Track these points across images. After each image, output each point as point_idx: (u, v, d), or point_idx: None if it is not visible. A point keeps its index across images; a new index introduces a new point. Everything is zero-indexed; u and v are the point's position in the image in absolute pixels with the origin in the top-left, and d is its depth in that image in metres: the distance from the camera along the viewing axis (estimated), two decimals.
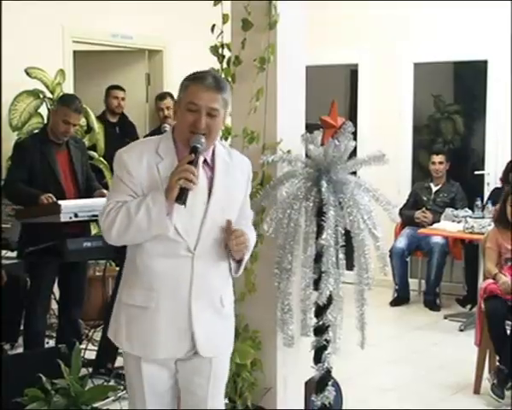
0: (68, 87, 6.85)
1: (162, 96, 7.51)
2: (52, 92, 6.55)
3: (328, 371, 4.15)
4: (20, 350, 5.53)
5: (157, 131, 7.35)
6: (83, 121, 6.27)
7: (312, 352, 4.15)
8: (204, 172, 2.88)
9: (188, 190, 2.72)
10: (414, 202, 7.94)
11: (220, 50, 4.18)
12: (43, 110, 6.58)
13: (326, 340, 4.08)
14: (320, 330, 4.08)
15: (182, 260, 2.85)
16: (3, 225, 5.89)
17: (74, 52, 7.29)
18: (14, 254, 5.70)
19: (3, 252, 5.86)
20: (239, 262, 2.99)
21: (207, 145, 2.84)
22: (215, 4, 4.09)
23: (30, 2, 6.58)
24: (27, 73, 6.42)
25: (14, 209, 5.71)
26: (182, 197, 2.72)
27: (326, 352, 4.10)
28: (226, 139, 4.22)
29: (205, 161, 2.89)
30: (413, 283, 7.94)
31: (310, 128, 4.28)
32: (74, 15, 7.00)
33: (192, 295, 2.86)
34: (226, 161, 2.95)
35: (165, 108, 7.38)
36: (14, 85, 6.35)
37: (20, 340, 5.61)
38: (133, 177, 2.81)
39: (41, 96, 6.57)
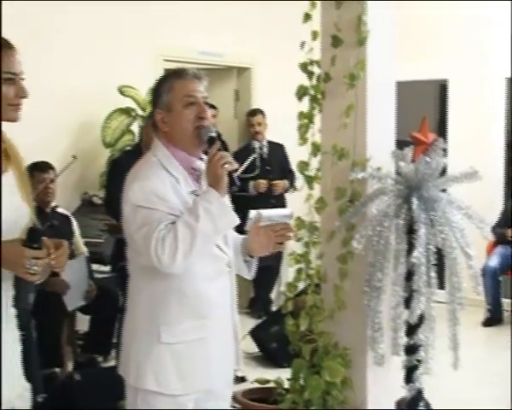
0: None
1: (253, 112, 7.58)
2: (143, 110, 6.67)
3: (420, 392, 4.08)
4: (113, 363, 5.63)
5: (246, 147, 7.42)
6: None
7: (403, 371, 4.10)
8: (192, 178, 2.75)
9: (234, 172, 2.62)
10: (506, 220, 7.76)
11: (310, 67, 4.19)
12: (135, 128, 6.71)
13: (417, 360, 4.02)
14: (411, 350, 4.02)
15: (224, 278, 2.77)
16: (97, 240, 6.04)
17: (165, 70, 7.41)
18: (108, 268, 5.84)
19: (97, 266, 6.00)
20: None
21: None
22: (305, 21, 4.10)
23: (124, 23, 6.75)
24: (120, 92, 6.56)
25: (107, 224, 5.84)
26: (234, 182, 2.62)
27: (417, 372, 4.04)
28: (315, 156, 4.21)
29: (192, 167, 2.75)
30: (506, 303, 7.74)
31: (400, 144, 4.24)
32: (165, 34, 7.14)
33: (234, 312, 2.82)
34: None
35: (257, 123, 7.46)
36: (108, 104, 6.50)
37: (113, 353, 5.72)
38: (167, 201, 2.60)
39: (133, 113, 6.70)
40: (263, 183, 7.24)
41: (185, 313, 2.68)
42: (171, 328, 2.67)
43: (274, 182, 7.31)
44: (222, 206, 2.58)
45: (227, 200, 2.72)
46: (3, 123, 2.50)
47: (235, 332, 2.85)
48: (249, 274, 2.94)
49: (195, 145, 2.71)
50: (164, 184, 2.63)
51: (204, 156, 2.77)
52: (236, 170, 2.64)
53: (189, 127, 2.69)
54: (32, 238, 2.40)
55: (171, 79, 2.74)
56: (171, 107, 2.71)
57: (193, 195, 2.68)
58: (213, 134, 2.68)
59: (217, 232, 2.61)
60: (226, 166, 2.59)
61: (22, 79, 2.46)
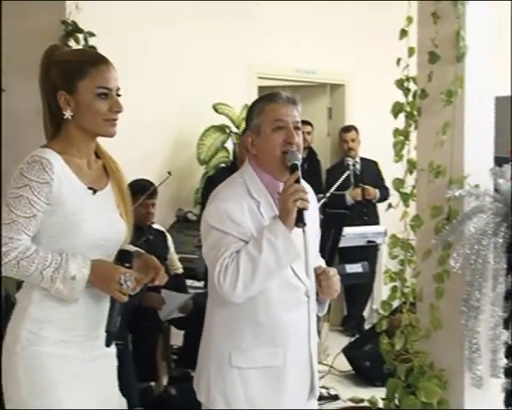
0: None
1: (348, 128, 7.56)
2: (237, 127, 6.74)
3: None
4: None
5: (340, 164, 7.40)
6: None
7: (503, 394, 3.99)
8: None
9: (304, 210, 2.56)
10: None
11: (406, 84, 4.15)
12: (229, 145, 6.78)
13: None
14: (511, 372, 3.92)
15: (302, 307, 2.73)
16: (191, 256, 6.11)
17: (259, 87, 7.48)
18: (201, 284, 5.90)
19: (190, 282, 6.07)
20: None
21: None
22: (401, 38, 4.07)
23: (219, 41, 6.84)
24: (215, 109, 6.65)
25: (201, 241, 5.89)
26: (302, 219, 2.55)
27: None
28: (411, 173, 4.17)
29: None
30: None
31: (498, 161, 4.15)
32: (259, 52, 7.20)
33: (310, 341, 2.77)
34: None
35: (350, 140, 7.44)
36: (203, 121, 6.59)
37: None
38: (241, 226, 2.59)
39: (227, 130, 6.78)
40: (358, 191, 7.22)
41: (259, 340, 2.67)
42: (242, 352, 2.66)
43: (365, 187, 7.28)
44: (286, 240, 2.54)
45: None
46: (102, 139, 2.55)
47: (311, 363, 2.79)
48: (319, 311, 2.89)
49: (281, 170, 2.68)
50: (241, 209, 2.62)
51: None
52: (304, 209, 2.57)
53: (276, 151, 2.67)
54: (124, 258, 2.46)
55: (263, 102, 2.75)
56: (260, 130, 2.71)
57: (274, 220, 2.66)
58: (297, 162, 2.64)
59: (279, 267, 2.57)
60: (298, 203, 2.54)
61: (118, 95, 2.48)
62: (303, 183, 2.78)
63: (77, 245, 2.40)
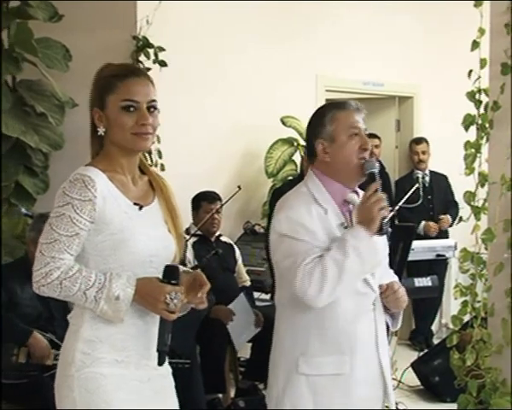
0: None
1: (419, 140, 7.47)
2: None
3: None
4: None
5: (409, 177, 7.34)
6: None
7: None
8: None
9: (385, 218, 2.58)
10: None
11: (477, 96, 4.09)
12: (297, 157, 6.78)
13: None
14: None
15: (368, 315, 2.71)
16: (259, 269, 6.12)
17: (326, 100, 7.46)
18: (268, 296, 5.91)
19: (257, 294, 6.08)
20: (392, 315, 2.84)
21: None
22: (473, 49, 4.02)
23: (288, 55, 6.86)
24: (282, 122, 6.65)
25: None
26: (382, 228, 2.58)
27: None
28: (482, 186, 4.10)
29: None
30: None
31: None
32: (328, 65, 7.19)
33: (379, 350, 2.73)
34: None
35: (421, 152, 7.35)
36: (271, 134, 6.60)
37: None
38: (312, 232, 2.60)
39: (295, 143, 6.77)
40: (434, 227, 7.10)
41: (325, 348, 2.66)
42: (309, 359, 2.66)
43: (440, 217, 7.17)
44: (371, 246, 2.57)
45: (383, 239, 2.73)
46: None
47: (383, 372, 2.76)
48: (393, 326, 2.88)
49: (357, 176, 2.70)
50: (310, 216, 2.63)
51: (359, 191, 2.78)
52: (385, 218, 2.60)
53: (353, 158, 2.69)
54: (170, 275, 2.36)
55: (334, 109, 2.74)
56: (334, 137, 2.70)
57: (341, 227, 2.67)
58: (375, 170, 2.66)
59: (363, 272, 2.61)
60: (382, 211, 2.58)
61: (154, 108, 2.41)
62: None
63: (125, 263, 2.36)
